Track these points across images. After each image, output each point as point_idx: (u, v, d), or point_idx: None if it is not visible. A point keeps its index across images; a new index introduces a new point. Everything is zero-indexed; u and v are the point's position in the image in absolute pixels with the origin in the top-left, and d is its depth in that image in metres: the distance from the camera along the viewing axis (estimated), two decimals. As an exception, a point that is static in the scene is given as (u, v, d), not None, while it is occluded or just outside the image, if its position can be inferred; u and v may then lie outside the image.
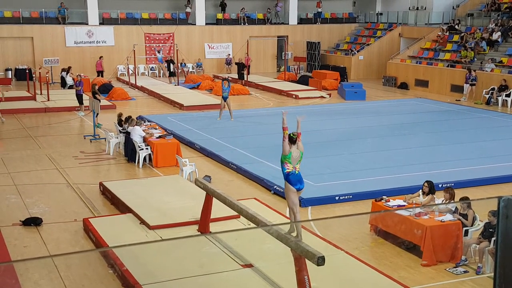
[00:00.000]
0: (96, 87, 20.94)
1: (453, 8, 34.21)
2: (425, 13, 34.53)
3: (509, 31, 28.38)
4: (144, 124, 17.00)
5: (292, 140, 8.35)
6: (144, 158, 15.20)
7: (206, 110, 23.06)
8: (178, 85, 29.13)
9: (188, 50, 34.01)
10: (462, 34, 29.88)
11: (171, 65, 30.51)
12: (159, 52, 31.93)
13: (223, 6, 35.75)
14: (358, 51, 34.50)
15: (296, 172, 8.23)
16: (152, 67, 33.84)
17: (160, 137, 15.67)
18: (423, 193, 10.45)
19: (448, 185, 11.90)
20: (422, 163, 14.83)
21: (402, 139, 18.00)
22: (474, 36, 29.24)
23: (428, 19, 34.07)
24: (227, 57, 34.91)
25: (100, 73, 30.69)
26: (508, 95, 24.32)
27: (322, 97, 26.82)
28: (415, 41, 32.47)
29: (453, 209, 9.97)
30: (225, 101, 20.36)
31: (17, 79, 30.94)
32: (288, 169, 8.19)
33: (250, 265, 8.95)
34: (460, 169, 14.39)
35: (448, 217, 9.76)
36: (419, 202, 10.37)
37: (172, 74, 30.45)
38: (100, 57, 31.07)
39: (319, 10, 37.90)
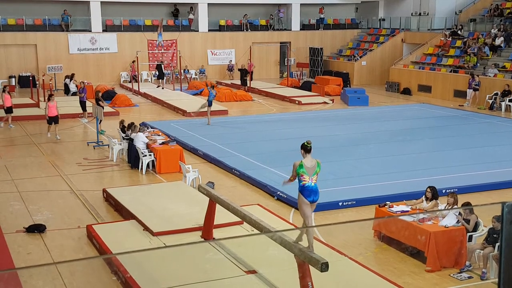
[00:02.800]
0: (100, 94, 21.00)
1: (455, 13, 34.23)
2: (427, 19, 34.55)
3: None
4: (147, 130, 17.03)
5: (307, 149, 8.06)
6: (148, 164, 15.21)
7: (210, 116, 23.04)
8: (163, 88, 29.94)
9: (191, 57, 34.10)
10: (465, 40, 29.89)
11: (161, 68, 31.04)
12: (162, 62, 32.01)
13: (174, 13, 35.32)
14: (360, 57, 34.52)
15: (313, 184, 7.95)
16: (154, 73, 33.88)
17: (163, 143, 15.69)
18: (426, 198, 10.43)
19: (452, 190, 11.88)
20: (425, 169, 14.81)
21: (405, 144, 17.99)
22: (477, 41, 29.25)
23: (430, 25, 34.09)
24: (229, 63, 34.98)
25: (135, 77, 31.08)
26: (511, 100, 24.30)
27: (325, 103, 26.83)
28: (417, 47, 32.48)
29: (457, 213, 9.95)
30: (210, 105, 20.57)
31: (21, 86, 31.04)
32: (304, 181, 7.91)
33: (253, 271, 8.94)
34: (463, 174, 14.36)
35: (451, 221, 9.72)
36: (422, 208, 10.35)
37: (160, 77, 30.72)
38: (133, 62, 31.36)
39: (322, 16, 37.97)
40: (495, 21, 30.46)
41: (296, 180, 8.15)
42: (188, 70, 33.71)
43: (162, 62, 31.34)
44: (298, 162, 7.99)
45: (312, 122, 21.81)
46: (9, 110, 21.02)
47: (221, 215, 10.17)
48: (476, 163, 15.51)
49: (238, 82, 31.70)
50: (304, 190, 7.95)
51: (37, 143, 18.58)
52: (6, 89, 21.74)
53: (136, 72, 30.53)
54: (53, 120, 18.85)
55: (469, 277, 9.18)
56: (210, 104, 20.73)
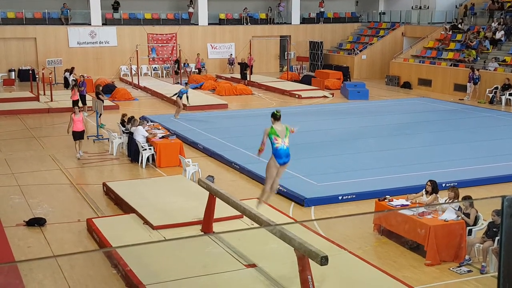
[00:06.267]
0: (100, 88, 20.98)
1: (456, 7, 34.16)
2: (428, 12, 34.48)
3: (512, 30, 28.32)
4: (147, 124, 17.02)
5: (276, 117, 8.72)
6: (147, 158, 15.21)
7: (209, 110, 23.07)
8: (176, 84, 30.03)
9: (190, 50, 34.02)
10: (467, 29, 29.81)
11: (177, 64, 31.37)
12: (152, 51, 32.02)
13: (114, 6, 34.33)
14: (361, 51, 34.46)
15: (285, 147, 8.54)
16: (155, 67, 33.86)
17: (163, 137, 15.68)
18: (426, 192, 10.44)
19: (452, 184, 11.89)
20: (425, 163, 14.81)
21: (405, 138, 17.98)
22: (477, 35, 29.20)
23: (431, 18, 34.01)
24: (229, 57, 34.93)
25: (199, 70, 32.31)
26: (511, 94, 24.27)
27: (325, 96, 26.80)
28: (418, 40, 32.42)
29: (457, 208, 9.95)
30: (181, 99, 20.74)
31: (20, 80, 30.99)
32: (277, 143, 8.50)
33: (253, 265, 8.95)
34: (463, 168, 14.36)
35: (451, 215, 9.74)
36: (422, 202, 10.36)
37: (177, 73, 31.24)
38: (198, 54, 32.37)
39: (322, 9, 37.88)
40: (496, 15, 30.40)
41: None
42: (188, 64, 33.65)
43: (178, 58, 31.67)
44: (268, 128, 8.66)
45: (312, 116, 21.79)
46: (74, 103, 20.18)
47: (221, 209, 10.17)
48: (476, 157, 15.50)
49: (238, 76, 31.66)
50: (277, 152, 8.53)
51: (37, 137, 18.57)
52: (72, 83, 21.24)
53: (201, 64, 31.73)
54: (78, 135, 15.97)
55: (469, 271, 9.19)
56: (180, 97, 20.74)
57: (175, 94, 21.09)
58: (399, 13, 35.82)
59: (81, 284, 8.73)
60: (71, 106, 22.77)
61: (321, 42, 35.35)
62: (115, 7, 34.29)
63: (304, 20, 38.11)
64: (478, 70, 25.86)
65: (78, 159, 15.69)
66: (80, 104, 20.72)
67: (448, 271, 9.20)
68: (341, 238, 10.16)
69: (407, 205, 10.32)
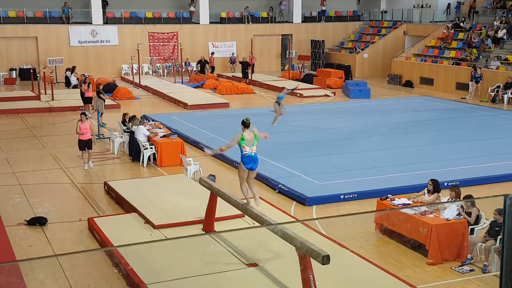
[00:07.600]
0: (101, 87, 20.97)
1: (459, 4, 34.09)
2: (429, 11, 34.43)
3: (514, 28, 28.25)
4: (148, 123, 17.00)
5: (246, 124, 8.99)
6: (149, 157, 15.20)
7: (210, 109, 23.05)
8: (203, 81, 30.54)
9: (192, 49, 34.01)
10: (469, 27, 29.74)
11: (202, 65, 32.23)
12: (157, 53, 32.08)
13: (103, 5, 33.64)
14: (362, 49, 34.42)
15: (252, 154, 8.86)
16: (157, 66, 33.84)
17: (164, 136, 15.67)
18: (428, 191, 10.41)
19: (454, 183, 11.86)
20: (427, 162, 14.78)
21: (407, 137, 17.95)
22: (479, 34, 29.14)
23: (433, 17, 33.96)
24: (231, 56, 34.90)
25: (213, 68, 32.68)
26: (513, 93, 24.23)
27: (326, 95, 26.77)
28: (420, 39, 32.38)
29: (459, 206, 9.92)
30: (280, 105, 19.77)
31: (22, 79, 31.01)
32: (245, 151, 8.82)
33: (255, 264, 8.94)
34: (465, 167, 14.33)
35: (453, 212, 9.70)
36: (424, 201, 10.33)
37: (202, 72, 31.91)
38: (212, 53, 33.07)
39: (323, 8, 37.84)
40: (498, 13, 30.34)
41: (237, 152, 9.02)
42: (189, 63, 33.64)
43: (202, 59, 32.39)
44: (239, 135, 8.91)
45: (314, 115, 21.77)
46: (88, 100, 20.75)
47: (222, 208, 10.16)
48: (478, 156, 15.47)
49: (239, 74, 31.64)
50: (245, 159, 8.86)
51: (38, 136, 18.56)
52: (87, 81, 21.18)
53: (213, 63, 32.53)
54: (85, 144, 14.87)
55: (471, 270, 9.17)
56: (279, 103, 19.98)
57: (275, 101, 20.29)
58: (400, 12, 35.78)
59: (82, 283, 8.72)
60: (72, 105, 23.00)
61: (323, 41, 35.31)
62: (104, 5, 34.10)
63: (305, 19, 38.07)
64: (480, 68, 25.80)
65: (90, 168, 14.81)
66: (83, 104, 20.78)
67: (450, 270, 9.18)
68: (343, 237, 10.14)
69: (409, 204, 10.29)
